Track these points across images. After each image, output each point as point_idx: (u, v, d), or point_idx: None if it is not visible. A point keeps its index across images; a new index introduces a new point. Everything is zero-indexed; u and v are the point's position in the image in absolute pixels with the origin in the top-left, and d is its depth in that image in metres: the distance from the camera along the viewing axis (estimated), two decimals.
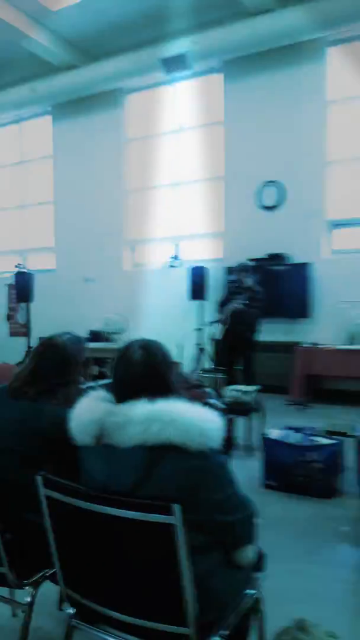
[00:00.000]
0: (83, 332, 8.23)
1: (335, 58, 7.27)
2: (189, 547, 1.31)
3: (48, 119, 9.65)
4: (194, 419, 1.39)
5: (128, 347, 1.57)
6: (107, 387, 1.67)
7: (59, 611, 2.16)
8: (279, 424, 4.58)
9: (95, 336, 7.86)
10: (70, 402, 1.92)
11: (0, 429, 1.86)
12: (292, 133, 7.42)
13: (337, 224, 7.40)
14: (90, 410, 1.51)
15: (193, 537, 1.32)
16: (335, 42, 7.21)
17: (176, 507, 1.27)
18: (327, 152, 7.33)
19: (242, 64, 7.63)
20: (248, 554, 1.62)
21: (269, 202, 7.59)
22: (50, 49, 8.09)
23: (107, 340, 7.50)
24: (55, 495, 1.48)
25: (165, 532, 1.29)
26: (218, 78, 8.07)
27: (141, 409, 1.42)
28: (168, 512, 1.27)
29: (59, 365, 1.96)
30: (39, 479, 1.50)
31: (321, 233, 7.31)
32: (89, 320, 8.32)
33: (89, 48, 8.28)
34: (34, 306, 8.52)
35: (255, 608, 1.69)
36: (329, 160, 7.35)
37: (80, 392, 2.05)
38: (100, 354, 7.27)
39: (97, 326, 8.04)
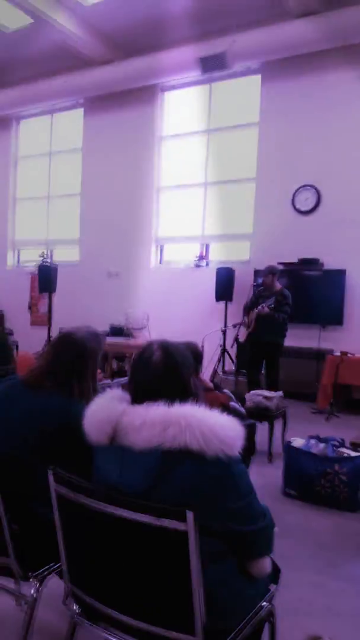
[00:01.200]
0: (104, 326, 8.27)
1: None
2: (201, 554, 1.26)
3: (80, 111, 9.66)
4: (212, 425, 1.33)
5: (147, 348, 1.53)
6: (124, 386, 1.63)
7: (63, 605, 2.13)
8: (303, 432, 4.47)
9: (116, 331, 7.86)
10: (85, 397, 1.89)
11: (15, 420, 1.84)
12: (329, 137, 7.25)
13: None
14: (105, 409, 1.46)
15: (207, 544, 1.27)
16: None
17: (189, 514, 1.21)
18: None
19: (281, 66, 7.51)
20: (264, 565, 1.54)
21: (302, 207, 7.44)
22: (85, 41, 8.07)
23: (127, 335, 7.48)
24: (66, 491, 1.43)
25: (177, 538, 1.25)
26: (255, 79, 7.97)
27: (158, 411, 1.37)
28: (181, 518, 1.23)
29: (76, 360, 1.92)
30: (50, 474, 1.46)
31: (357, 240, 7.13)
32: (110, 314, 8.34)
33: (125, 43, 8.24)
34: (57, 297, 8.54)
35: (267, 620, 1.62)
36: None
37: (97, 388, 2.01)
38: (120, 349, 7.26)
39: (118, 321, 8.05)
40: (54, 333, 8.59)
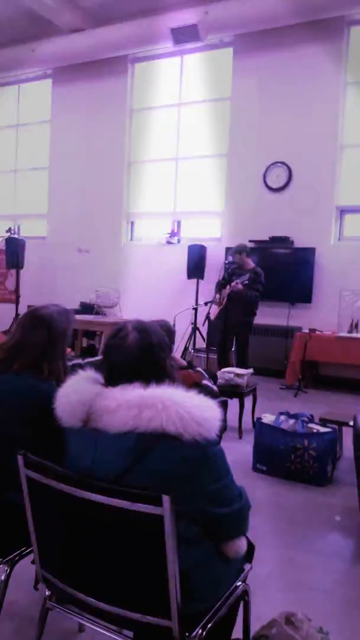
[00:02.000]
0: (74, 304, 8.17)
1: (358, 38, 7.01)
2: (177, 538, 1.24)
3: (48, 82, 9.35)
4: (189, 407, 1.30)
5: (122, 328, 1.48)
6: (95, 366, 1.58)
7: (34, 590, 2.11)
8: (272, 408, 4.53)
9: (86, 308, 7.78)
10: (55, 377, 1.84)
11: None
12: (303, 114, 7.18)
13: (346, 210, 7.22)
14: (78, 392, 1.42)
15: (183, 528, 1.26)
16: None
17: (165, 498, 1.19)
18: (341, 136, 7.11)
19: (254, 39, 7.38)
20: (240, 546, 1.54)
21: (274, 184, 7.40)
22: (54, 8, 7.75)
23: (97, 313, 7.41)
24: (36, 476, 1.40)
25: (153, 523, 1.23)
26: (227, 52, 7.83)
27: (133, 393, 1.34)
28: (157, 502, 1.21)
29: (44, 338, 1.86)
30: (19, 458, 1.41)
31: (328, 218, 7.15)
32: (80, 291, 8.22)
33: (96, 11, 7.96)
34: (24, 273, 8.37)
35: (242, 599, 1.63)
36: (343, 144, 7.14)
37: (67, 368, 1.96)
38: (90, 326, 7.19)
39: (88, 298, 7.95)
40: (22, 310, 8.43)
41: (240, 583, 1.61)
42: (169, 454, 1.30)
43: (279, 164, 7.35)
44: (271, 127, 7.41)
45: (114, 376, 1.42)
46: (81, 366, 2.51)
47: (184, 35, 7.36)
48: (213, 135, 8.06)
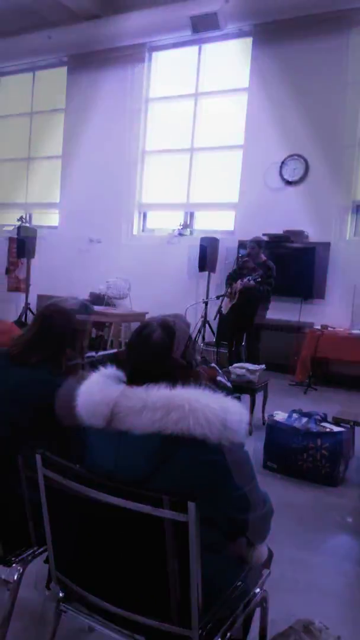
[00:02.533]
0: (84, 294, 8.11)
1: None
2: (200, 546, 1.20)
3: (63, 70, 9.25)
4: (217, 410, 1.27)
5: (146, 325, 1.44)
6: (116, 361, 1.55)
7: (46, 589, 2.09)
8: (282, 405, 4.49)
9: (96, 299, 7.73)
10: (73, 372, 1.80)
11: None
12: (322, 107, 7.05)
13: None
14: (102, 390, 1.38)
15: (205, 534, 1.22)
16: None
17: (191, 505, 1.15)
18: (357, 131, 6.98)
19: (274, 29, 7.25)
20: (261, 552, 1.52)
21: (289, 177, 7.30)
22: None
23: (107, 304, 7.37)
24: (55, 476, 1.36)
25: (177, 530, 1.20)
26: (247, 42, 7.70)
27: (159, 394, 1.30)
28: (182, 509, 1.17)
29: (63, 333, 1.82)
30: (37, 457, 1.38)
31: (344, 213, 7.04)
32: (91, 282, 8.17)
33: None
34: (35, 262, 8.32)
35: (260, 605, 1.60)
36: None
37: (84, 363, 1.92)
38: (100, 317, 7.15)
39: (99, 289, 7.90)
40: (32, 300, 8.43)
41: (258, 590, 1.58)
42: (195, 457, 1.27)
43: (296, 157, 7.25)
44: (289, 119, 7.28)
45: (138, 375, 1.39)
46: (98, 361, 2.47)
47: (203, 24, 7.27)
48: (229, 126, 7.95)
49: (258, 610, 1.64)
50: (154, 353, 1.39)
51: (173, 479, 1.27)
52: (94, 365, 2.20)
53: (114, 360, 3.02)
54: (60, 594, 1.53)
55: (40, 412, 1.69)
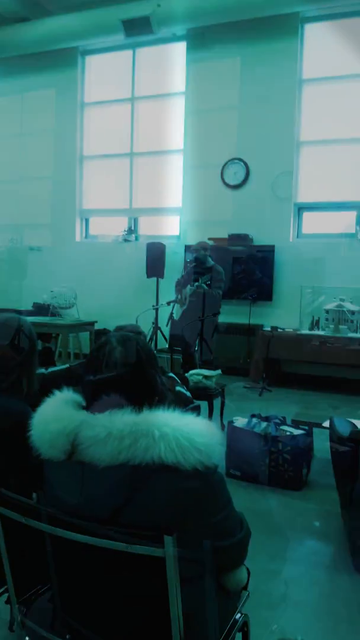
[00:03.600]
0: (27, 305, 7.83)
1: (312, 35, 6.98)
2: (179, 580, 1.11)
3: None
4: (189, 434, 1.17)
5: (105, 343, 1.32)
6: (67, 378, 1.41)
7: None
8: (239, 409, 4.44)
9: (41, 310, 7.47)
10: (30, 394, 1.65)
11: None
12: (260, 110, 7.09)
13: (305, 208, 7.20)
14: (59, 419, 1.25)
15: (182, 567, 1.10)
16: (314, 19, 6.92)
17: (168, 539, 1.04)
18: (298, 133, 7.08)
19: (208, 33, 7.26)
20: (241, 577, 1.42)
21: (231, 181, 7.32)
22: None
23: (53, 314, 7.12)
24: (14, 515, 1.21)
25: (154, 565, 1.10)
26: (181, 46, 7.68)
27: (124, 420, 1.18)
28: (158, 543, 1.07)
29: (24, 352, 1.65)
30: None
31: (287, 216, 7.12)
32: (33, 292, 7.89)
33: (43, 0, 7.60)
34: None
35: (241, 630, 1.51)
36: (301, 140, 7.11)
37: (38, 382, 1.77)
38: (45, 329, 6.90)
39: (42, 299, 7.64)
40: None
41: (239, 615, 1.49)
42: (168, 486, 1.17)
43: (236, 161, 7.27)
44: (227, 124, 7.31)
45: (98, 399, 1.25)
46: (49, 379, 2.30)
47: (136, 28, 7.17)
48: (168, 130, 7.90)
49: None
50: (116, 374, 1.26)
51: (145, 511, 1.16)
52: (45, 385, 2.04)
53: (66, 377, 2.84)
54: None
55: (9, 443, 1.52)
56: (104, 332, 7.66)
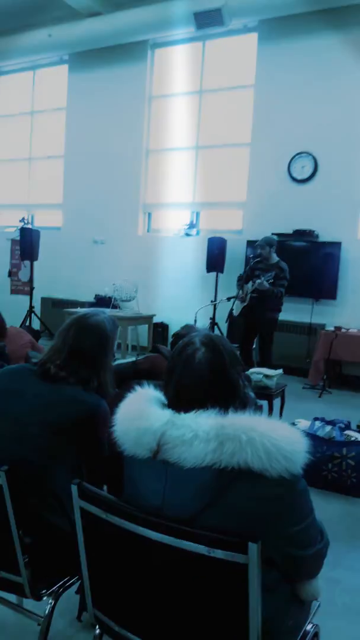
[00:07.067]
0: (89, 297, 7.98)
1: None
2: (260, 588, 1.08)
3: (64, 68, 9.08)
4: (277, 440, 1.13)
5: (188, 344, 1.29)
6: (134, 372, 1.39)
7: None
8: (298, 409, 4.34)
9: (102, 302, 7.57)
10: (104, 390, 1.66)
11: (26, 418, 1.55)
12: (330, 103, 6.90)
13: None
14: (145, 417, 1.23)
15: (263, 574, 1.07)
16: None
17: (253, 547, 1.03)
18: None
19: (279, 24, 7.10)
20: (316, 587, 1.37)
21: (299, 175, 7.15)
22: None
23: (114, 307, 7.21)
24: (93, 509, 1.22)
25: (234, 572, 1.07)
26: (252, 38, 7.56)
27: (211, 422, 1.16)
28: (241, 549, 1.04)
29: (99, 349, 1.67)
30: (73, 488, 1.24)
31: (355, 212, 6.89)
32: (95, 284, 8.02)
33: None
34: (38, 264, 8.17)
35: None
36: None
37: (113, 380, 1.79)
38: None
39: (104, 291, 7.75)
40: (36, 302, 8.28)
41: (310, 625, 1.45)
42: (252, 491, 1.13)
43: (305, 154, 7.10)
44: (296, 116, 7.13)
45: (182, 399, 1.23)
46: (117, 373, 2.31)
47: (207, 20, 7.10)
48: (235, 123, 7.80)
49: None
50: (199, 375, 1.23)
51: (226, 516, 1.13)
52: (119, 380, 2.05)
53: (133, 370, 2.85)
54: (97, 631, 1.42)
55: (74, 435, 1.54)
56: (161, 325, 7.71)
